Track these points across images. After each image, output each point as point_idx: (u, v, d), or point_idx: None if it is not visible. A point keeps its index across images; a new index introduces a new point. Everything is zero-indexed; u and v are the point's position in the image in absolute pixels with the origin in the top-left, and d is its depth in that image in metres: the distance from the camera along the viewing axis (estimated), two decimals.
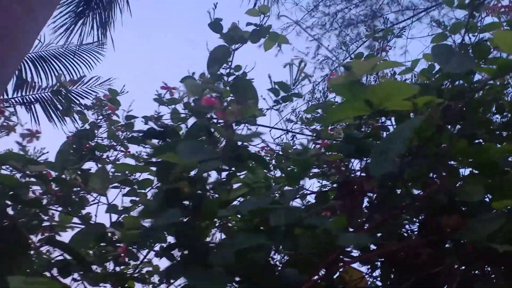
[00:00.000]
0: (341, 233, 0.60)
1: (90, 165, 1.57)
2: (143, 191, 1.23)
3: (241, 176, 0.99)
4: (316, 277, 0.72)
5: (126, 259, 1.03)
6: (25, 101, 6.05)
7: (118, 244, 1.18)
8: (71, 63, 6.68)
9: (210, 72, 1.22)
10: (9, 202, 1.01)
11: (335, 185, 1.10)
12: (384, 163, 0.57)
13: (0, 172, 1.00)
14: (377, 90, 0.61)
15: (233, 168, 1.01)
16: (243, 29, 1.23)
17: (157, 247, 1.09)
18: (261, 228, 0.60)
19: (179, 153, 0.52)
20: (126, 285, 1.16)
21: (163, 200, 0.55)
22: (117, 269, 1.12)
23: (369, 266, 0.91)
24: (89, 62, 6.74)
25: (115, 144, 1.65)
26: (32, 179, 1.10)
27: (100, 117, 1.72)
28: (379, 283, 0.91)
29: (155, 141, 0.99)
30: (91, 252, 1.18)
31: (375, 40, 1.60)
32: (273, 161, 1.40)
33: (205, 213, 0.60)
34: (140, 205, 1.24)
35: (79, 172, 1.41)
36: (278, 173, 1.29)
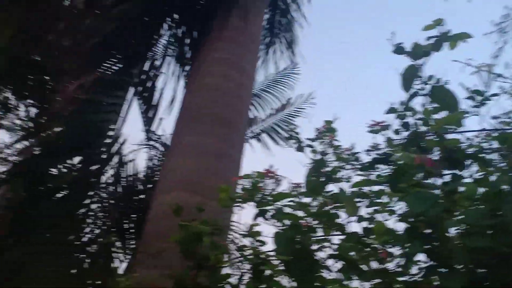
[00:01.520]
0: None
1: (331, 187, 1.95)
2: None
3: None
4: None
5: (387, 259, 1.32)
6: (254, 134, 7.32)
7: (374, 246, 1.49)
8: (275, 90, 7.67)
9: (405, 90, 1.41)
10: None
11: None
12: None
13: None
14: None
15: (455, 171, 1.18)
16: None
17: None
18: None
19: (409, 204, 0.78)
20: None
21: (408, 231, 0.82)
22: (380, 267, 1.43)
23: None
24: (288, 84, 7.60)
25: (343, 164, 1.99)
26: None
27: (325, 145, 2.11)
28: None
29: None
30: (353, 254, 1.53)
31: None
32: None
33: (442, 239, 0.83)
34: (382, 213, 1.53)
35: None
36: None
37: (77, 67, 3.14)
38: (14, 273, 2.53)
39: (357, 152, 1.88)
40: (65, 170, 2.96)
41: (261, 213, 1.71)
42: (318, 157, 2.10)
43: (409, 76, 1.42)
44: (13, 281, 2.54)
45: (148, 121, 4.84)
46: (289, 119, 7.04)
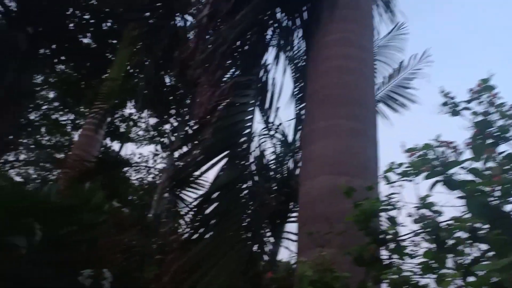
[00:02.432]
0: None
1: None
2: None
3: None
4: None
5: None
6: None
7: None
8: (384, 57, 7.33)
9: None
10: None
11: None
12: None
13: None
14: None
15: None
16: None
17: None
18: None
19: None
20: None
21: None
22: None
23: None
24: (397, 47, 7.20)
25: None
26: None
27: (486, 104, 2.02)
28: None
29: None
30: None
31: None
32: None
33: None
34: None
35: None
36: None
37: (211, 76, 3.45)
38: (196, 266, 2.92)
39: None
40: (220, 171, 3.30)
41: (438, 183, 1.73)
42: (480, 118, 2.02)
43: None
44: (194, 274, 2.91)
45: (264, 112, 5.08)
46: (405, 83, 6.71)
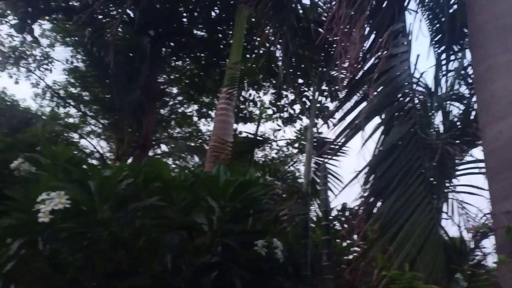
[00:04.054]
0: None
1: None
2: None
3: None
4: None
5: None
6: None
7: None
8: None
9: None
10: None
11: None
12: None
13: None
14: None
15: None
16: None
17: None
18: None
19: None
20: None
21: None
22: None
23: None
24: None
25: None
26: None
27: None
28: None
29: None
30: None
31: None
32: None
33: None
34: None
35: None
36: None
37: (360, 30, 3.27)
38: None
39: None
40: None
41: None
42: None
43: None
44: None
45: None
46: None
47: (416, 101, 3.77)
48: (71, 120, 14.92)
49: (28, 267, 2.79)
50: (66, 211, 2.31)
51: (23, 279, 2.89)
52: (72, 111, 14.37)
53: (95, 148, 12.99)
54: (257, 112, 12.80)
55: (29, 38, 11.72)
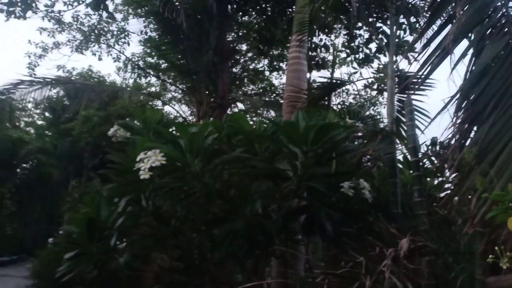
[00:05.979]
0: None
1: None
2: None
3: None
4: None
5: None
6: None
7: None
8: None
9: None
10: None
11: None
12: None
13: None
14: None
15: None
16: None
17: None
18: None
19: None
20: None
21: None
22: None
23: None
24: None
25: None
26: None
27: None
28: None
29: None
30: None
31: None
32: None
33: None
34: None
35: None
36: None
37: None
38: None
39: None
40: None
41: None
42: None
43: None
44: None
45: None
46: None
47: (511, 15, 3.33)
48: (153, 89, 15.81)
49: (136, 222, 3.12)
50: (163, 168, 2.50)
51: (133, 232, 3.25)
52: (153, 80, 15.16)
53: (178, 112, 13.70)
54: (330, 58, 12.32)
55: (104, 14, 12.35)
